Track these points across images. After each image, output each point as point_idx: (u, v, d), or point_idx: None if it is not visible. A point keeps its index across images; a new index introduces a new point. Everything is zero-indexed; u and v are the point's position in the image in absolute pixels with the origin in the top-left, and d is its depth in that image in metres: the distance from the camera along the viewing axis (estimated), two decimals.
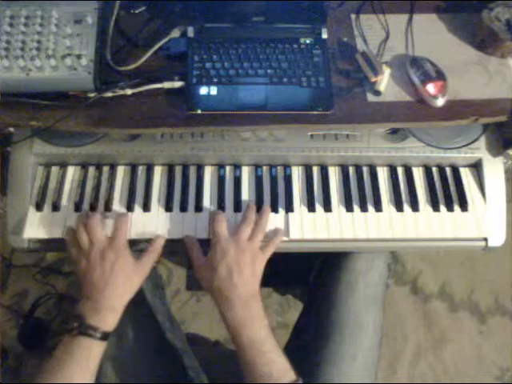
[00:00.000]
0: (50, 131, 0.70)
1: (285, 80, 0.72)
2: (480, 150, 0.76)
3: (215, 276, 0.65)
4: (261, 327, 0.64)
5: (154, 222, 0.73)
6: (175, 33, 0.76)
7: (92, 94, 0.68)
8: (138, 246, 0.72)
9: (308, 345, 0.77)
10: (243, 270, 0.65)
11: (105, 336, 0.63)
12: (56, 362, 0.61)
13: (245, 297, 0.64)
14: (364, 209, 0.75)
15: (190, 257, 0.70)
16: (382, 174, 0.78)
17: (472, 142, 0.77)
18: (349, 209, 0.75)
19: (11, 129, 0.73)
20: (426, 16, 0.81)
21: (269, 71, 0.73)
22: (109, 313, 0.64)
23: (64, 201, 0.74)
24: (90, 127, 0.69)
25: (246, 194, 0.75)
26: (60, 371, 0.60)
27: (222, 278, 0.65)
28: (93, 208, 0.73)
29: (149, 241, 0.71)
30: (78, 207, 0.73)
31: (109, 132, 0.73)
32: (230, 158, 0.76)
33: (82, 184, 0.75)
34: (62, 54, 0.68)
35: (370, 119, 0.71)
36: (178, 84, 0.71)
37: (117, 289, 0.65)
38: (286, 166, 0.78)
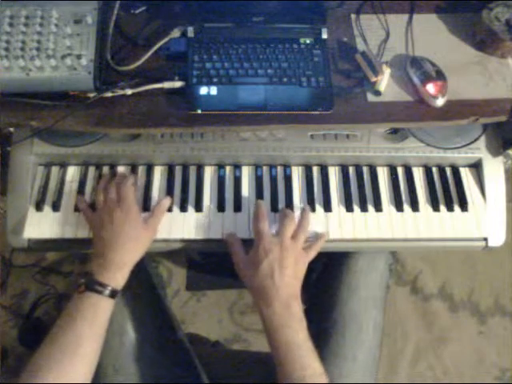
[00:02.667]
0: (50, 131, 0.70)
1: (285, 80, 0.72)
2: (480, 150, 0.76)
3: (257, 274, 0.64)
4: (299, 330, 0.63)
5: None
6: (175, 33, 0.76)
7: (92, 94, 0.68)
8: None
9: None
10: (286, 269, 0.64)
11: (113, 293, 0.63)
12: (65, 318, 0.61)
13: (285, 297, 0.64)
14: (364, 209, 0.75)
15: (231, 254, 0.70)
16: (382, 174, 0.78)
17: (472, 142, 0.77)
18: (349, 209, 0.75)
19: (11, 129, 0.73)
20: (426, 16, 0.81)
21: (269, 71, 0.73)
22: (117, 270, 0.65)
23: (64, 201, 0.74)
24: (90, 127, 0.69)
25: (246, 194, 0.75)
26: (69, 327, 0.60)
27: (264, 276, 0.64)
28: (93, 208, 0.73)
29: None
30: (78, 207, 0.73)
31: (109, 132, 0.73)
32: (230, 158, 0.76)
33: (82, 184, 0.75)
34: (62, 54, 0.68)
35: (370, 119, 0.71)
36: (178, 84, 0.71)
37: (125, 246, 0.66)
38: (286, 166, 0.78)
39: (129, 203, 0.69)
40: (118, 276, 0.65)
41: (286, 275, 0.64)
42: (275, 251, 0.65)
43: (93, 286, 0.62)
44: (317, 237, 0.71)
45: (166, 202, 0.73)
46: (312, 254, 0.69)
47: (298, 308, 0.64)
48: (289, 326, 0.63)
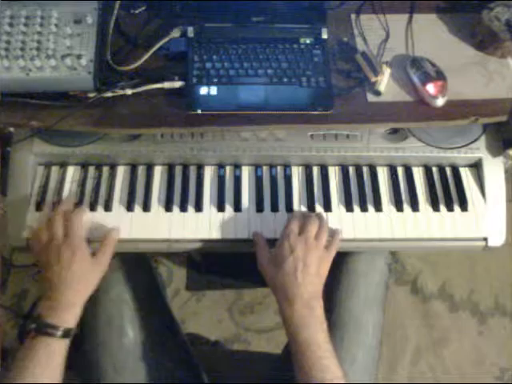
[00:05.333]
0: (50, 131, 0.70)
1: (285, 80, 0.72)
2: (480, 150, 0.76)
3: (280, 271, 0.64)
4: (320, 330, 0.63)
5: (153, 222, 0.73)
6: (175, 33, 0.76)
7: (92, 94, 0.68)
8: (137, 247, 0.72)
9: None
10: (309, 267, 0.64)
11: (66, 333, 0.61)
12: (18, 365, 0.59)
13: (307, 296, 0.63)
14: (364, 209, 0.75)
15: (256, 252, 0.69)
16: (382, 174, 0.78)
17: (472, 142, 0.77)
18: (349, 209, 0.74)
19: (11, 129, 0.73)
20: (426, 16, 0.81)
21: (269, 71, 0.73)
22: (66, 310, 0.63)
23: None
24: (90, 127, 0.69)
25: (246, 193, 0.75)
26: (22, 374, 0.58)
27: (287, 274, 0.64)
28: (93, 208, 0.73)
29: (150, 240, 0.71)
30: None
31: (109, 132, 0.73)
32: (230, 158, 0.76)
33: (82, 184, 0.75)
34: (62, 54, 0.68)
35: (369, 119, 0.71)
36: (178, 84, 0.71)
37: (74, 285, 0.63)
38: (286, 166, 0.78)
39: (77, 240, 0.65)
40: (68, 316, 0.62)
41: (309, 273, 0.64)
42: (299, 249, 0.65)
43: (43, 329, 0.60)
44: (332, 234, 0.70)
45: (114, 234, 0.69)
46: (333, 253, 0.68)
47: (319, 308, 0.64)
48: (310, 325, 0.62)
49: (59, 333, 0.61)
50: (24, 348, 0.61)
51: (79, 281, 0.64)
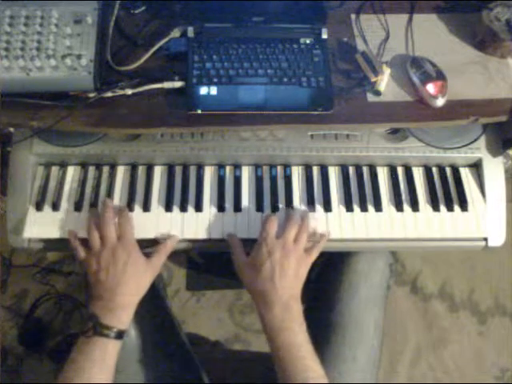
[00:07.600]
0: (50, 131, 0.70)
1: (285, 80, 0.72)
2: (480, 150, 0.76)
3: (258, 276, 0.65)
4: (299, 332, 0.63)
5: (153, 222, 0.73)
6: (175, 33, 0.76)
7: (92, 94, 0.68)
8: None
9: None
10: (287, 271, 0.64)
11: (120, 334, 0.63)
12: (74, 364, 0.61)
13: (285, 299, 0.64)
14: (364, 209, 0.75)
15: (232, 256, 0.70)
16: (382, 174, 0.78)
17: (472, 142, 0.77)
18: (349, 209, 0.74)
19: (11, 129, 0.73)
20: (425, 16, 0.81)
21: (269, 71, 0.73)
22: (122, 311, 0.64)
23: (64, 201, 0.74)
24: (90, 127, 0.69)
25: (246, 193, 0.75)
26: (79, 374, 0.60)
27: (265, 278, 0.64)
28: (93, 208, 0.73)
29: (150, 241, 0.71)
30: (78, 207, 0.73)
31: (109, 132, 0.73)
32: (230, 158, 0.76)
33: (82, 184, 0.75)
34: (62, 54, 0.68)
35: (370, 119, 0.71)
36: (178, 84, 0.71)
37: (129, 287, 0.65)
38: (286, 166, 0.78)
39: (130, 242, 0.67)
40: (123, 317, 0.64)
41: (287, 277, 0.64)
42: (277, 253, 0.65)
43: (99, 329, 0.61)
44: (318, 238, 0.71)
45: (173, 241, 0.71)
46: (314, 256, 0.69)
47: (297, 310, 0.64)
48: (289, 328, 0.63)
49: (113, 334, 0.62)
50: (80, 347, 0.61)
51: (134, 282, 0.66)
